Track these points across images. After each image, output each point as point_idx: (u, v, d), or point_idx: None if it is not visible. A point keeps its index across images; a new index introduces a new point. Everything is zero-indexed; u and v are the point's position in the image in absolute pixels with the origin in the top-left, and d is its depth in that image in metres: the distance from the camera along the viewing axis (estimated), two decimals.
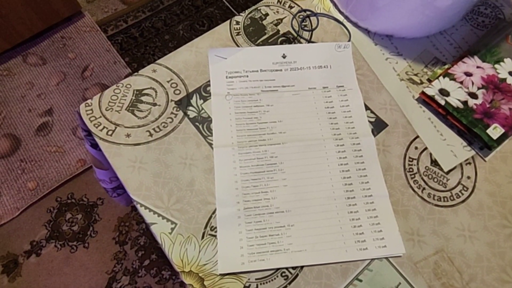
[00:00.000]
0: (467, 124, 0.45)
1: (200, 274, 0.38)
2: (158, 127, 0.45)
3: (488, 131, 0.44)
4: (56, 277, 0.94)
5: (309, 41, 0.52)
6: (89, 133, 0.45)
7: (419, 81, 0.50)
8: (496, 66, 0.49)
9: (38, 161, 1.07)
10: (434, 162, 0.45)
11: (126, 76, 1.22)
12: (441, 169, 0.44)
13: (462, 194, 0.43)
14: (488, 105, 0.46)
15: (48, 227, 1.00)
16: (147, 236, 1.00)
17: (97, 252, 0.98)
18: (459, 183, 0.44)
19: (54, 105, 1.15)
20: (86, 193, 1.05)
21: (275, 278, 0.38)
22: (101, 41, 1.27)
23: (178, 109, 0.46)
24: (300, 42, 0.52)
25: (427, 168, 0.45)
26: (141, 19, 1.34)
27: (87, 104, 0.45)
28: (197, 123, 0.46)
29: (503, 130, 0.44)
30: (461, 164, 0.45)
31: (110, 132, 0.44)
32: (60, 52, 1.24)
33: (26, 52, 1.23)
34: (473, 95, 0.47)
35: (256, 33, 0.53)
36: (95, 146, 0.48)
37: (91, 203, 1.04)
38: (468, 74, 0.48)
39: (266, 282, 0.38)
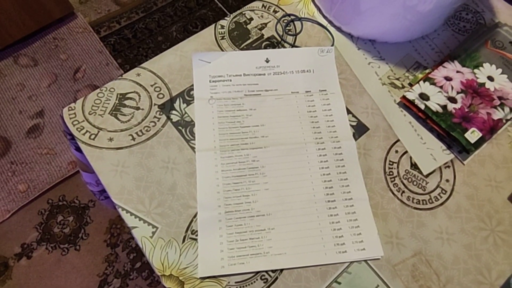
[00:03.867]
0: (446, 128, 0.45)
1: (181, 278, 0.38)
2: (140, 131, 0.45)
3: (466, 135, 0.45)
4: (47, 280, 0.94)
5: (293, 46, 0.53)
6: (73, 137, 0.46)
7: (400, 85, 0.51)
8: (476, 70, 0.49)
9: (29, 163, 1.06)
10: (414, 166, 0.46)
11: None
12: (421, 173, 0.45)
13: (441, 197, 0.44)
14: (466, 109, 0.47)
15: (39, 230, 1.00)
16: None
17: (88, 254, 0.98)
18: (438, 186, 0.45)
19: (45, 107, 1.15)
20: (77, 195, 1.05)
21: (254, 281, 0.39)
22: (93, 42, 1.27)
23: (161, 113, 0.47)
24: (284, 47, 0.53)
25: (407, 171, 0.45)
26: (134, 20, 1.34)
27: (70, 108, 0.46)
28: (180, 127, 0.46)
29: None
30: (440, 168, 0.46)
31: (92, 136, 0.44)
32: (52, 53, 1.24)
33: (17, 53, 1.23)
34: (452, 100, 0.47)
35: (240, 37, 0.53)
36: (79, 149, 0.48)
37: (83, 205, 1.04)
38: (448, 79, 0.49)
39: (246, 286, 0.38)
